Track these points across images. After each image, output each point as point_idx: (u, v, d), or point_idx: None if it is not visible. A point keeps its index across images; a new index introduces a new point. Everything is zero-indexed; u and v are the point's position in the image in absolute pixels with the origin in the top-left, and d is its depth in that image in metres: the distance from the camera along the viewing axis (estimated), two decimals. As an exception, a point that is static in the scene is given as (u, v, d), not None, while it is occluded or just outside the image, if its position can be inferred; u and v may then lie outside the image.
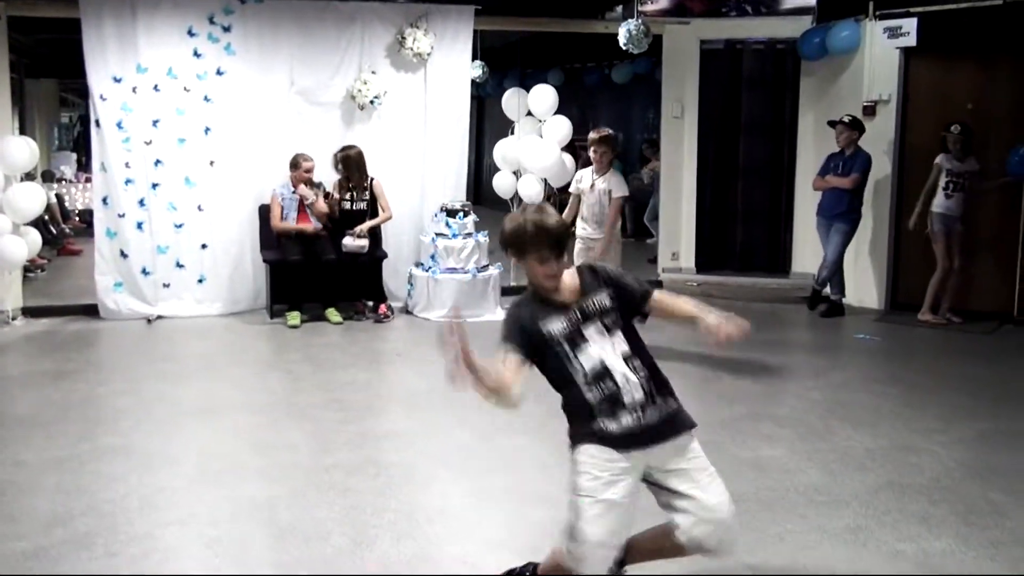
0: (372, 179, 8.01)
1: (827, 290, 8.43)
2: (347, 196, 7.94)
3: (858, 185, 8.17)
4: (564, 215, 7.17)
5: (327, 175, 8.04)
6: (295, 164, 7.81)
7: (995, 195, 7.93)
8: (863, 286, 8.76)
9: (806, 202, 9.14)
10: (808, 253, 9.34)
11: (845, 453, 4.76)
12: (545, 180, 8.81)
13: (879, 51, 8.51)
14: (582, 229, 7.04)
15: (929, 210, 7.88)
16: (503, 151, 9.13)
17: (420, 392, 5.95)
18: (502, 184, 9.27)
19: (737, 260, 9.91)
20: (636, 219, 13.26)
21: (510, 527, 3.88)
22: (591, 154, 7.02)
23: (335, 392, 5.88)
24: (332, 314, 7.79)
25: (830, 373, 6.54)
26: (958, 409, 5.63)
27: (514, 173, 9.09)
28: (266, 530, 3.83)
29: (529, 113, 8.96)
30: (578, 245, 7.09)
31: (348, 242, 7.72)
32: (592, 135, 7.06)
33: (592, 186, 6.97)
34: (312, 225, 7.79)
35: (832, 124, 8.21)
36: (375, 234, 7.98)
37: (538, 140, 8.71)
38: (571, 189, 7.21)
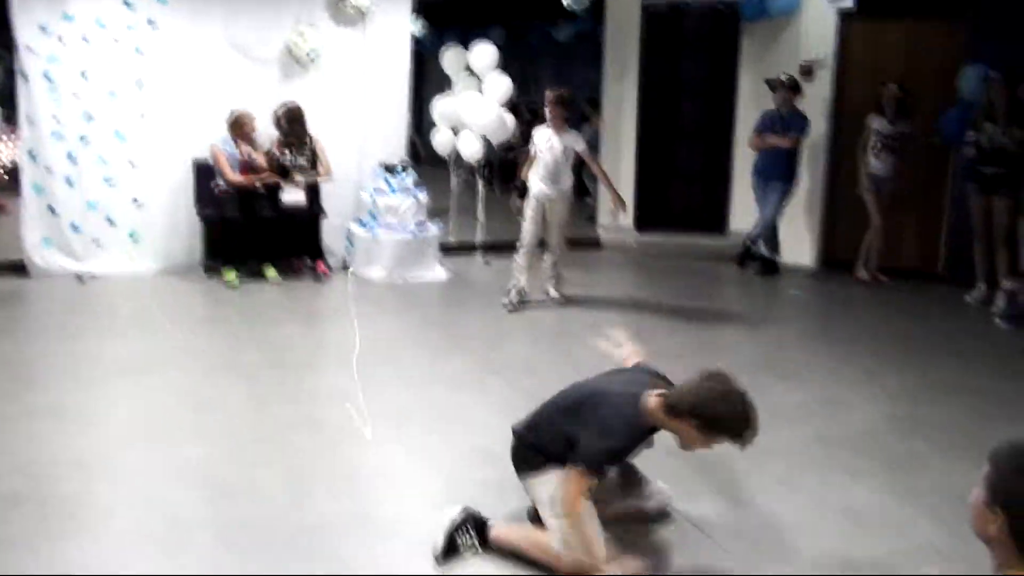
0: (312, 137, 7.89)
1: (759, 248, 8.55)
2: (286, 153, 7.81)
3: (797, 145, 8.28)
4: (522, 171, 7.19)
5: (266, 131, 7.88)
6: (238, 124, 7.66)
7: (922, 156, 8.10)
8: (797, 244, 8.92)
9: (744, 162, 9.24)
10: (745, 212, 9.47)
11: (775, 407, 4.84)
12: (485, 138, 8.77)
13: (817, 13, 8.61)
14: (538, 187, 7.06)
15: (861, 170, 8.02)
16: (442, 108, 9.05)
17: (359, 350, 5.93)
18: (441, 142, 9.21)
19: (676, 219, 10.02)
20: (576, 177, 13.23)
21: (451, 486, 3.90)
22: (548, 111, 7.04)
23: (273, 350, 5.83)
24: (269, 271, 7.70)
25: (763, 329, 6.67)
26: (885, 363, 5.80)
27: (453, 130, 9.03)
28: (203, 489, 3.80)
29: (469, 70, 8.89)
30: (532, 202, 7.11)
31: (286, 196, 7.61)
32: (550, 94, 7.07)
33: (550, 144, 6.98)
34: (259, 181, 7.65)
35: (770, 84, 8.29)
36: (314, 190, 7.88)
37: (477, 97, 8.65)
38: (530, 149, 7.18)
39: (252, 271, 7.67)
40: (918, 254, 8.39)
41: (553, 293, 7.34)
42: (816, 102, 8.57)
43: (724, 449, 3.57)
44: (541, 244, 7.29)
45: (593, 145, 11.98)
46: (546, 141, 7.02)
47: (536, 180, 7.10)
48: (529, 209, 7.14)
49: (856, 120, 8.38)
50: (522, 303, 7.13)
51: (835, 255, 8.86)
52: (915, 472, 4.10)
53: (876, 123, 7.90)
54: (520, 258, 7.26)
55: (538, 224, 7.19)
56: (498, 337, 6.28)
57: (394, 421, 4.66)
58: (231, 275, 7.49)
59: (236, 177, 7.64)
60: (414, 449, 4.31)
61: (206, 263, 7.82)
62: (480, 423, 4.62)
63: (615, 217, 7.40)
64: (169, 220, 7.96)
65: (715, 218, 9.94)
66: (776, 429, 4.53)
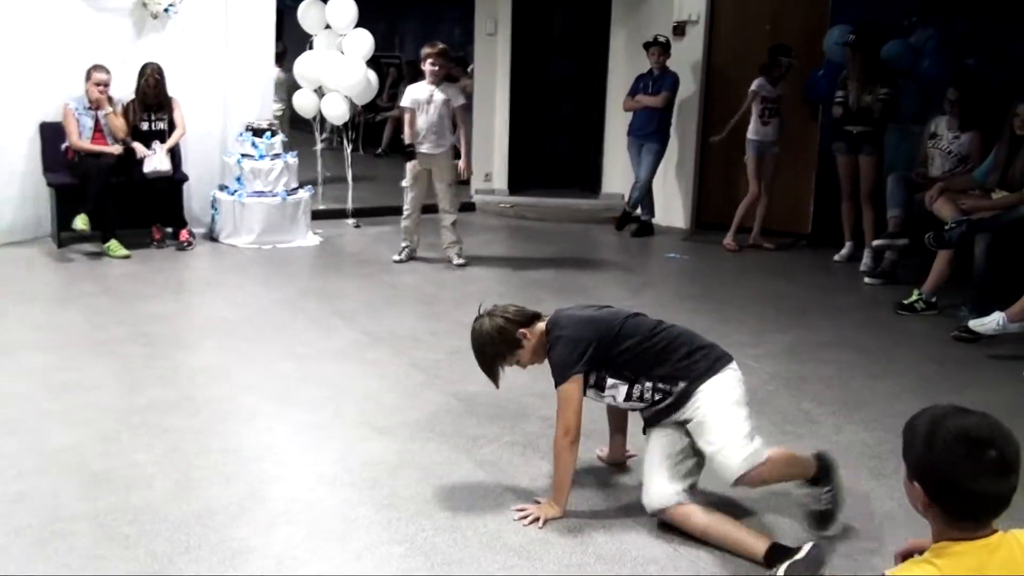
0: (172, 99, 7.48)
1: (639, 212, 8.68)
2: (145, 117, 7.39)
3: (668, 103, 8.39)
4: (406, 133, 7.04)
5: (123, 91, 7.42)
6: (88, 76, 7.16)
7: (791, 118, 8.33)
8: (670, 206, 9.09)
9: (616, 121, 9.33)
10: (618, 174, 9.58)
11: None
12: (350, 99, 8.51)
13: (689, -28, 8.72)
14: (418, 145, 6.95)
15: (745, 136, 8.04)
16: (302, 68, 8.73)
17: (233, 322, 5.71)
18: (303, 103, 8.91)
19: (549, 180, 10.04)
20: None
21: (344, 462, 3.80)
22: (427, 65, 6.94)
23: (140, 325, 5.54)
24: (116, 248, 7.11)
25: (643, 292, 6.76)
26: (765, 323, 5.98)
27: (316, 91, 8.74)
28: (78, 479, 3.57)
29: (328, 27, 8.57)
30: (413, 163, 7.02)
31: (149, 164, 7.18)
32: (427, 49, 6.99)
33: (430, 99, 6.84)
34: (116, 147, 7.20)
35: (647, 46, 8.33)
36: (174, 154, 7.49)
37: (340, 56, 8.38)
38: (405, 104, 7.05)
39: (106, 241, 7.20)
40: (788, 215, 8.65)
41: (457, 260, 7.26)
42: (689, 61, 8.70)
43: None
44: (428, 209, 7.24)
45: (464, 106, 11.91)
46: (426, 96, 6.90)
47: (416, 139, 6.98)
48: (411, 171, 7.04)
49: (726, 78, 8.57)
50: (410, 259, 7.29)
51: (708, 217, 9.07)
52: (806, 430, 4.23)
53: (763, 89, 7.87)
54: (407, 221, 7.19)
55: (422, 184, 7.10)
56: (380, 306, 6.14)
57: (278, 398, 4.50)
58: (82, 220, 6.88)
59: (84, 143, 7.18)
60: (301, 426, 4.17)
61: (58, 234, 7.34)
62: (369, 397, 4.52)
63: (463, 175, 7.37)
64: (14, 188, 7.41)
65: (589, 179, 10.01)
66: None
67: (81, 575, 2.95)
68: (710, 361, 3.29)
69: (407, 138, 7.08)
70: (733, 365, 3.35)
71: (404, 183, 7.22)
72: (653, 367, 3.29)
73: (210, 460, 3.78)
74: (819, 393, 4.69)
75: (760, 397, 4.59)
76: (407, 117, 7.05)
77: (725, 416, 3.18)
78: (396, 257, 7.25)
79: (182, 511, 3.35)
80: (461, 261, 7.27)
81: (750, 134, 8.01)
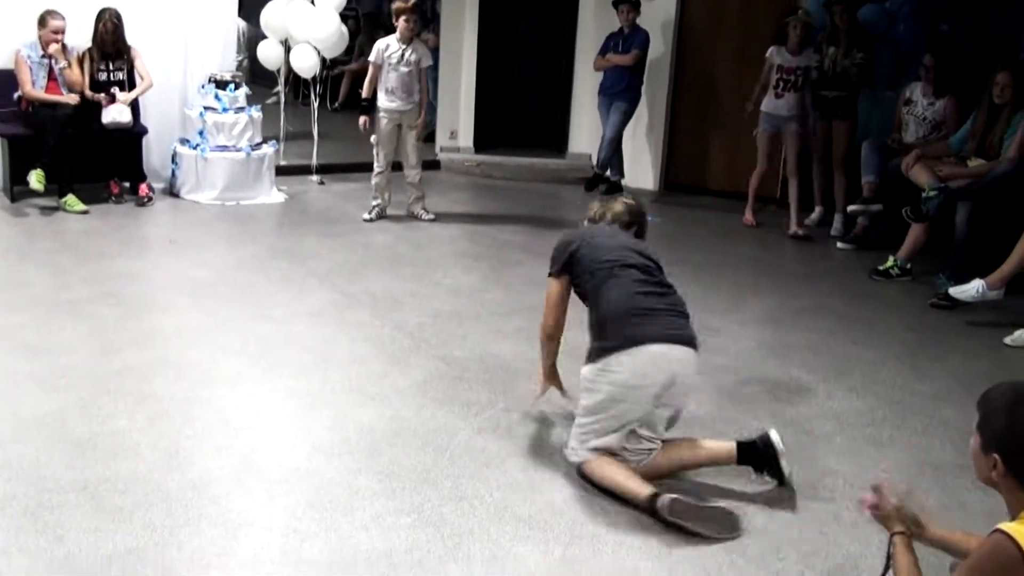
0: (131, 47, 7.21)
1: (608, 173, 8.63)
2: (102, 66, 7.11)
3: (638, 61, 8.32)
4: (365, 88, 6.91)
5: (79, 39, 7.13)
6: (42, 22, 6.88)
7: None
8: (639, 167, 9.04)
9: (584, 81, 9.24)
10: (585, 134, 9.51)
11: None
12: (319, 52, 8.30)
13: (662, -71, 8.61)
14: (389, 102, 6.86)
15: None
16: (269, 17, 8.48)
17: (204, 282, 5.57)
18: (269, 55, 8.67)
19: (516, 140, 9.93)
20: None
21: (339, 429, 3.72)
22: (400, 22, 6.82)
23: (107, 284, 5.37)
24: (73, 202, 6.88)
25: (620, 255, 6.72)
26: (744, 288, 6.00)
27: (282, 43, 8.51)
28: (61, 447, 3.45)
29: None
30: (384, 120, 6.92)
31: (108, 115, 6.93)
32: (399, 3, 6.82)
33: (402, 56, 6.74)
34: (72, 97, 6.92)
35: (616, 4, 8.24)
36: (134, 107, 7.22)
37: (311, 7, 8.15)
38: (372, 59, 6.89)
39: (62, 195, 6.96)
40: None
41: (426, 215, 7.23)
42: (660, 19, 8.63)
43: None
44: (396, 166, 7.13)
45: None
46: (397, 52, 6.77)
47: (385, 95, 6.89)
48: (381, 126, 6.93)
49: (698, 38, 8.53)
50: (380, 217, 7.18)
51: (675, 178, 9.06)
52: (799, 398, 4.26)
53: (778, 56, 7.39)
54: (379, 179, 7.09)
55: (392, 141, 7.00)
56: (355, 266, 6.03)
57: (260, 362, 4.40)
58: (37, 178, 6.62)
59: (38, 93, 6.91)
60: (291, 392, 4.08)
61: (11, 188, 7.07)
62: (355, 361, 4.44)
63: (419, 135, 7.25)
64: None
65: (556, 138, 9.92)
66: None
67: (79, 548, 2.85)
68: (621, 338, 3.29)
69: (365, 92, 6.98)
70: (656, 349, 3.29)
71: (373, 139, 7.10)
72: (592, 310, 3.46)
73: (198, 428, 3.69)
74: (807, 360, 4.72)
75: (750, 364, 4.65)
76: (371, 72, 6.91)
77: (591, 401, 3.33)
78: (366, 216, 7.14)
79: (176, 481, 3.26)
80: (430, 216, 7.23)
81: (763, 106, 7.50)
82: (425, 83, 7.12)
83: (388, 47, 6.86)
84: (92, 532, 2.94)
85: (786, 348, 4.89)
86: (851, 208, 6.96)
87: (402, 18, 6.80)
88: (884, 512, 2.29)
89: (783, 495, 3.36)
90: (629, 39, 8.27)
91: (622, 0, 8.20)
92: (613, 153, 8.60)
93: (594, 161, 8.85)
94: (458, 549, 2.94)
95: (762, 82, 7.49)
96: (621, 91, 8.37)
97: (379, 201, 7.18)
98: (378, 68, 6.87)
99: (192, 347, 4.54)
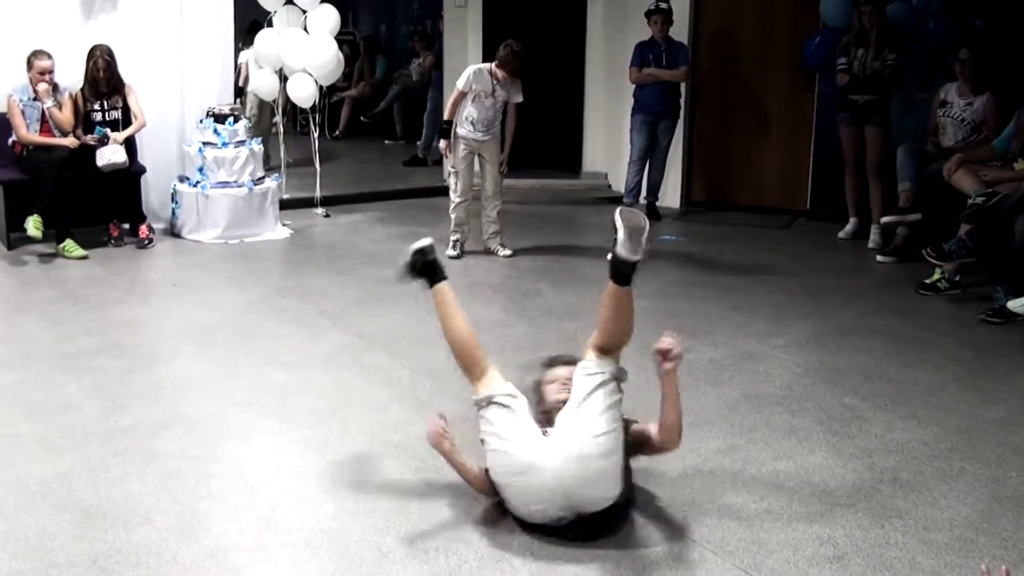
0: (127, 85, 7.13)
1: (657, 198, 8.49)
2: (96, 105, 7.03)
3: (686, 79, 8.18)
4: (447, 111, 6.88)
5: (70, 78, 7.05)
6: (29, 64, 6.81)
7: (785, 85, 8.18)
8: (662, 186, 8.90)
9: (595, 97, 9.18)
10: (598, 151, 9.43)
11: (692, 366, 4.73)
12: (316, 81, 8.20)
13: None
14: (469, 130, 6.82)
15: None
16: (262, 46, 8.40)
17: (211, 327, 5.45)
18: (263, 85, 8.59)
19: (527, 160, 9.80)
20: (405, 119, 12.89)
21: (362, 486, 3.57)
22: (509, 66, 6.71)
23: (110, 335, 5.25)
24: (72, 248, 6.79)
25: (648, 280, 6.53)
26: (782, 309, 5.84)
27: (277, 73, 8.42)
28: (69, 515, 3.31)
29: (290, 1, 8.22)
30: (461, 147, 6.87)
31: (103, 158, 6.82)
32: (509, 48, 6.71)
33: (493, 92, 6.74)
34: (70, 140, 6.84)
35: (648, 14, 8.07)
36: (130, 145, 7.14)
37: (305, 34, 8.07)
38: (461, 86, 6.79)
39: (61, 241, 6.86)
40: (784, 191, 8.53)
41: (504, 252, 7.11)
42: (672, 32, 8.51)
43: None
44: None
45: (426, 84, 11.65)
46: (490, 89, 6.75)
47: (465, 124, 6.84)
48: (459, 154, 6.87)
49: (715, 44, 8.42)
50: (464, 252, 7.08)
51: (695, 195, 8.94)
52: (856, 429, 4.08)
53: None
54: (459, 211, 7.01)
55: (471, 170, 6.96)
56: (367, 303, 5.91)
57: (275, 412, 4.26)
58: (35, 224, 6.56)
59: (33, 136, 6.85)
60: (309, 443, 3.94)
61: (8, 235, 6.98)
62: (374, 406, 4.30)
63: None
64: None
65: (569, 157, 9.82)
66: (701, 391, 4.46)
67: (90, 632, 2.71)
68: None
69: (447, 115, 6.90)
70: None
71: (450, 167, 7.01)
72: None
73: (212, 488, 3.54)
74: (859, 386, 4.54)
75: (798, 393, 4.48)
76: (455, 97, 6.82)
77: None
78: (450, 252, 6.92)
79: (192, 550, 3.12)
80: (508, 252, 7.10)
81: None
82: (514, 118, 7.00)
83: (482, 79, 6.76)
84: (105, 609, 2.80)
85: (835, 373, 4.72)
86: (885, 219, 6.77)
87: (507, 59, 6.70)
88: None
89: (854, 545, 3.19)
90: (673, 53, 8.09)
91: (655, 10, 8.07)
92: (661, 178, 8.47)
93: (620, 184, 8.65)
94: (502, 615, 2.79)
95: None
96: (667, 109, 8.22)
97: (459, 236, 7.04)
98: (463, 95, 6.79)
99: (202, 399, 4.41)
